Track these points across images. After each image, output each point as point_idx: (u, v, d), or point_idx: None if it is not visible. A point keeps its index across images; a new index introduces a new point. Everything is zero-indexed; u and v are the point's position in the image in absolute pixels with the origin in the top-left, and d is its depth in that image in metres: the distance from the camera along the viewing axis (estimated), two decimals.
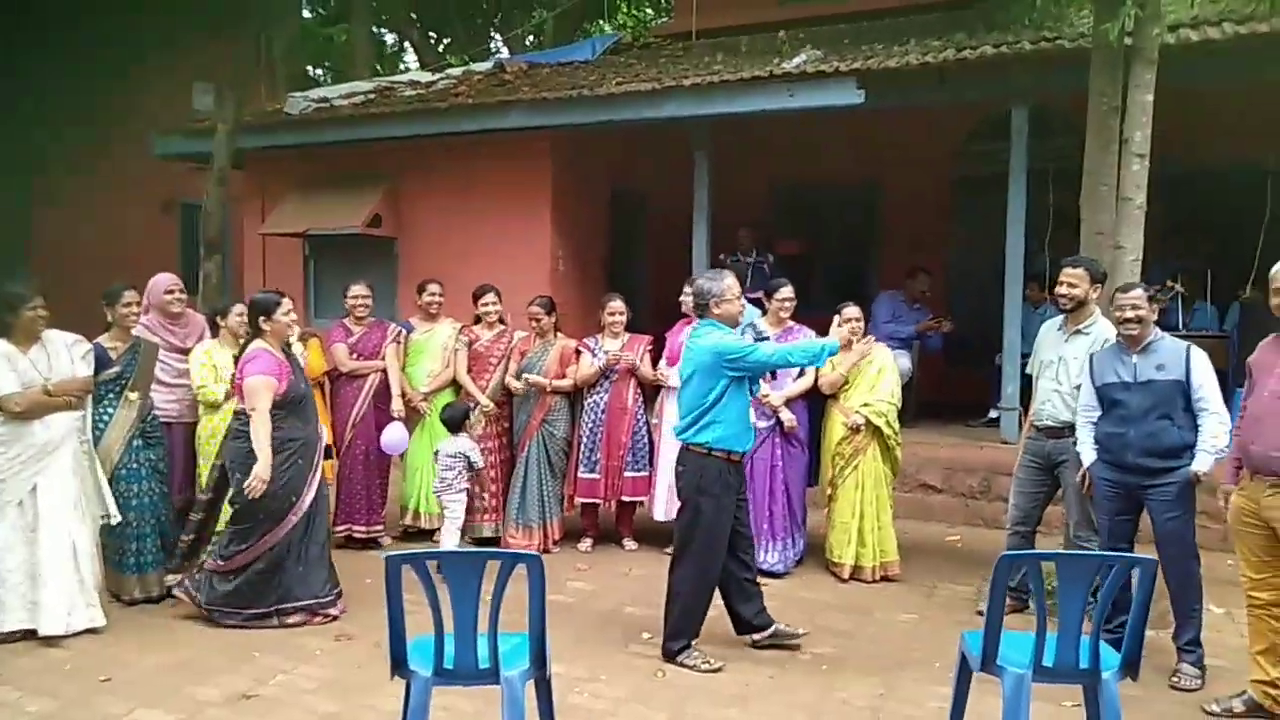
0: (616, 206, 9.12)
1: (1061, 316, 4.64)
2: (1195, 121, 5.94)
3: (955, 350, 8.10)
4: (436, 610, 2.74)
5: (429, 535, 6.02)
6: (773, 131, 8.32)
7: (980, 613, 4.73)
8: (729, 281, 4.12)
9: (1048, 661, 2.94)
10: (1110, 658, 3.00)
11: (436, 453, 5.45)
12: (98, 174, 11.81)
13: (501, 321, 6.09)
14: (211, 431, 5.09)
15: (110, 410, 4.72)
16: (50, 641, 4.21)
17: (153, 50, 12.04)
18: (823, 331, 5.48)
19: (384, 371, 5.95)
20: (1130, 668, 3.01)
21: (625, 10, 19.26)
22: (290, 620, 4.49)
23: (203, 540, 4.86)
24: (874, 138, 8.42)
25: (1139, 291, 4.09)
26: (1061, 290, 4.52)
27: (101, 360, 4.66)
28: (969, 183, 9.07)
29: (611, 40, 10.70)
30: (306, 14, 18.05)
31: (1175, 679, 3.92)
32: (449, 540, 5.28)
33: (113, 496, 4.57)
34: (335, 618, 4.58)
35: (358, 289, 5.99)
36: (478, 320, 6.09)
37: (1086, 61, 5.29)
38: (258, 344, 4.51)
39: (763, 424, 5.37)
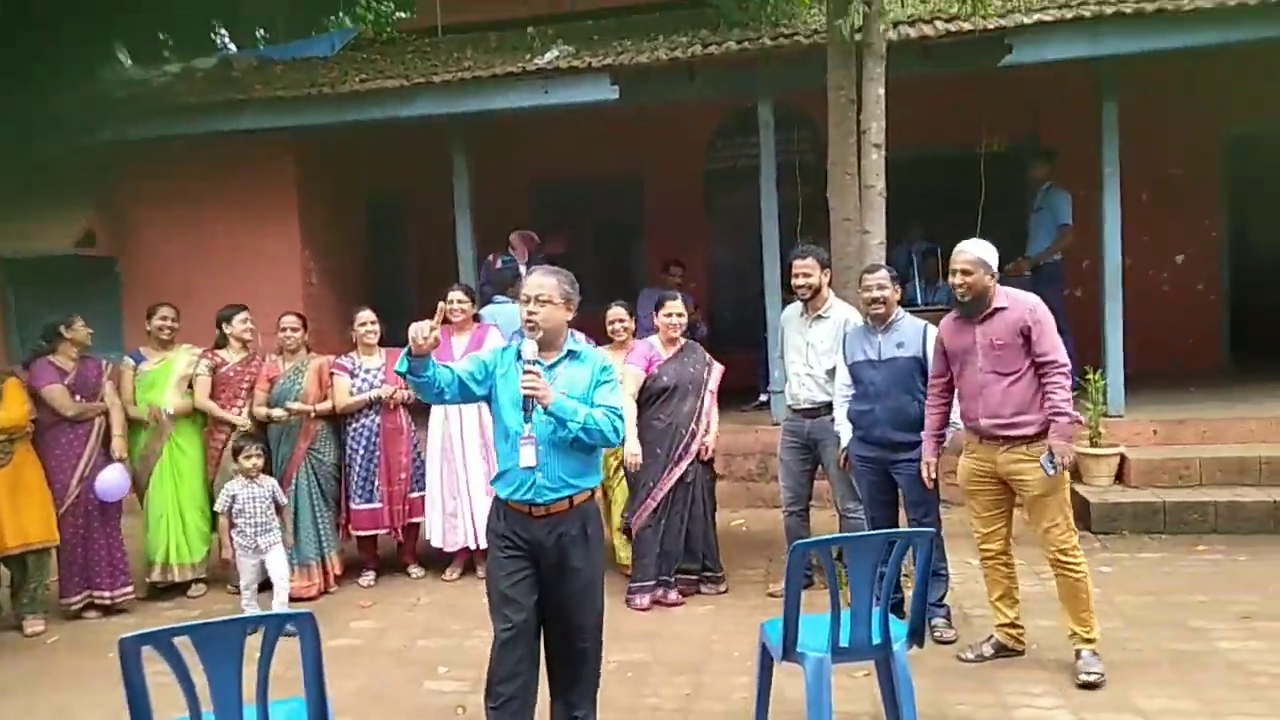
0: (374, 213, 8.60)
1: (800, 303, 4.85)
2: (918, 111, 6.43)
3: (721, 337, 8.35)
4: (192, 695, 2.36)
5: (184, 590, 5.39)
6: (530, 128, 8.17)
7: (771, 594, 4.90)
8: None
9: (844, 642, 3.01)
10: (899, 629, 3.11)
11: (231, 499, 4.83)
12: None
13: (245, 346, 5.54)
14: None
15: None
16: None
17: None
18: (595, 330, 5.42)
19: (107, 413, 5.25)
20: (915, 635, 3.15)
21: (365, 4, 18.31)
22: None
23: None
24: (631, 133, 8.48)
25: (883, 273, 4.35)
26: (798, 281, 4.73)
27: None
28: (721, 175, 9.40)
29: (351, 35, 10.06)
30: None
31: (935, 634, 4.21)
32: (280, 606, 4.68)
33: None
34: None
35: (82, 323, 5.26)
36: (219, 345, 5.50)
37: (824, 57, 5.57)
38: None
39: None
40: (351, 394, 5.41)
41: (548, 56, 6.88)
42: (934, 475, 4.10)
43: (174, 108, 7.09)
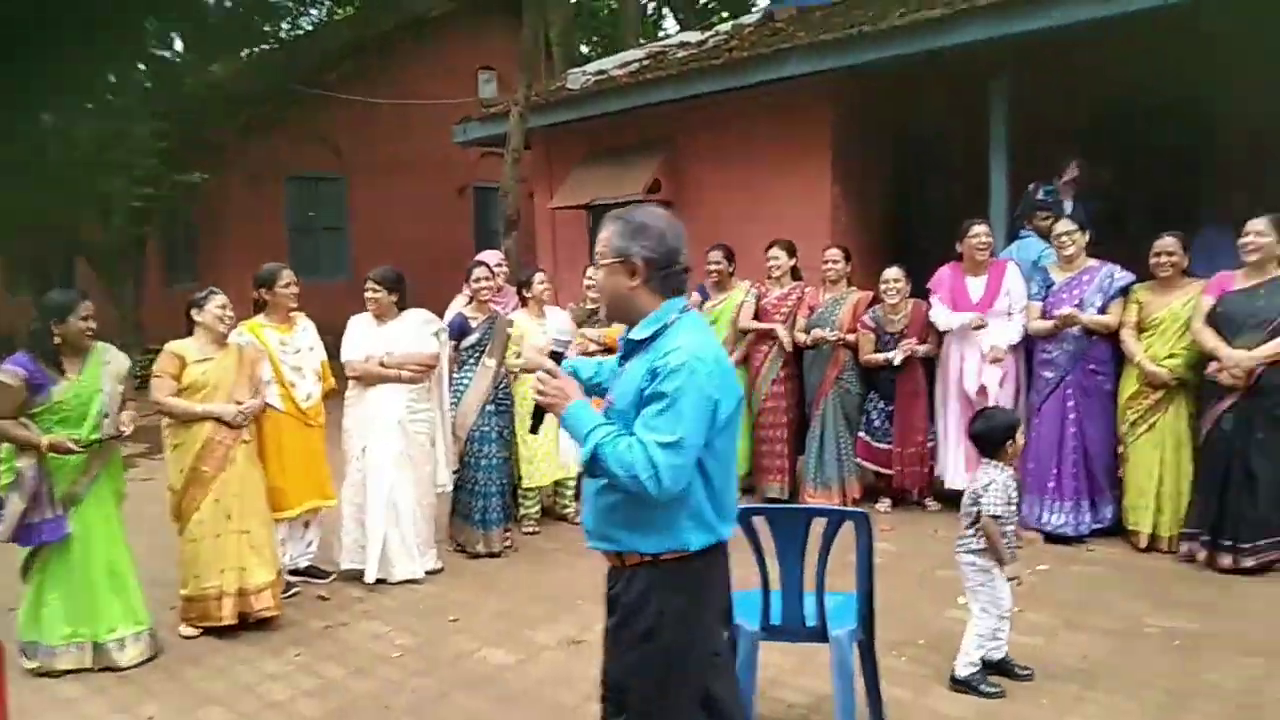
0: (900, 152, 8.62)
1: None
2: None
3: None
4: (763, 567, 2.73)
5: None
6: (1078, 49, 7.45)
7: None
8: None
9: None
10: None
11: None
12: (401, 162, 13.10)
13: (797, 277, 6.01)
14: (522, 395, 5.45)
15: (470, 374, 5.22)
16: (408, 583, 4.71)
17: (439, 39, 13.26)
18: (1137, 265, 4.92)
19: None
20: None
21: None
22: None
23: None
24: (1204, 42, 7.26)
25: None
26: None
27: (463, 329, 5.23)
28: None
29: None
30: None
31: None
32: None
33: (465, 456, 5.09)
34: None
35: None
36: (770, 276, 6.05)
37: None
38: None
39: (1048, 374, 5.01)
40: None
41: None
42: None
43: (727, 64, 7.83)
